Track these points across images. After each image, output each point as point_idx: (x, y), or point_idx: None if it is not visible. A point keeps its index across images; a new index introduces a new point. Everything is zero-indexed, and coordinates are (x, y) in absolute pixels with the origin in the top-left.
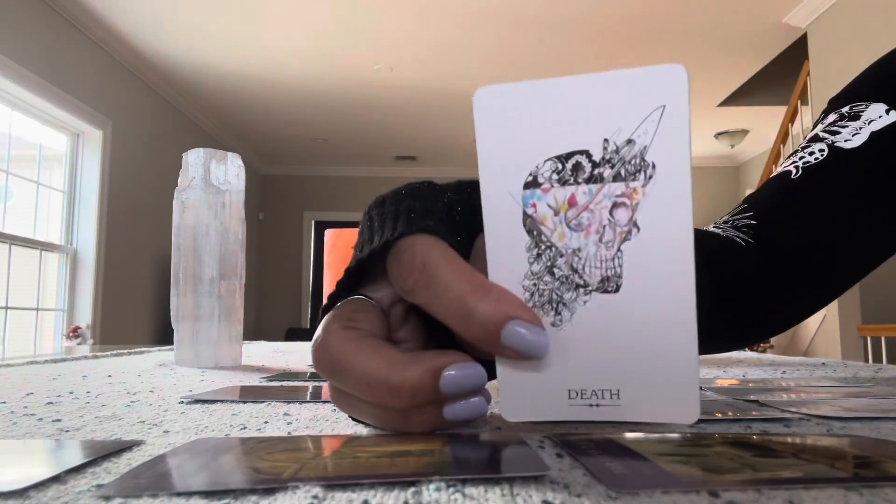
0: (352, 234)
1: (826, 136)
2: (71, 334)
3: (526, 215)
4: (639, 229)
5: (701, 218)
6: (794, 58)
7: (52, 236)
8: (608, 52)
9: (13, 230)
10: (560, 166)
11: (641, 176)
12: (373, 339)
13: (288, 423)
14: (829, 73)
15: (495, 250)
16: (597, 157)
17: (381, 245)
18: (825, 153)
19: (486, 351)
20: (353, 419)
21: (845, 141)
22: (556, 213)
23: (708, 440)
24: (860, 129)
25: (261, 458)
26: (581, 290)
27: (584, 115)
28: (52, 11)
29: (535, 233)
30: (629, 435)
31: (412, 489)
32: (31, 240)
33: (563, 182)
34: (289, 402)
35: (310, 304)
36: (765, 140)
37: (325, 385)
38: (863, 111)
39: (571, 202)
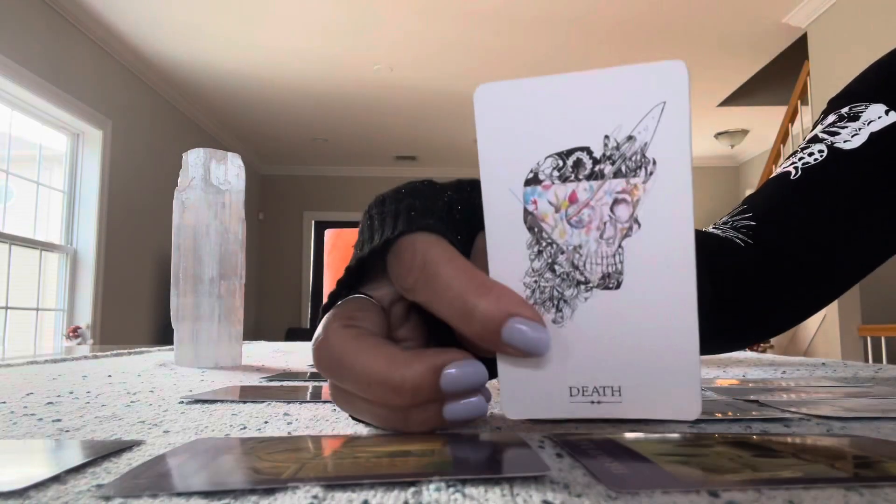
0: (352, 234)
1: (825, 136)
2: (71, 334)
3: (527, 212)
4: (640, 226)
5: (701, 218)
6: (794, 58)
7: (52, 236)
8: (608, 52)
9: (13, 230)
10: (561, 163)
11: (642, 172)
12: (373, 337)
13: (288, 424)
14: (829, 73)
15: (496, 247)
16: (597, 154)
17: (381, 243)
18: (824, 154)
19: (487, 349)
20: (354, 418)
21: (845, 142)
22: (557, 210)
23: (708, 440)
24: (859, 129)
25: (261, 459)
26: (582, 286)
27: (585, 112)
28: (52, 11)
29: (535, 230)
30: (629, 435)
31: (412, 489)
32: (31, 240)
33: (563, 179)
34: (289, 402)
35: (310, 304)
36: (765, 140)
37: (325, 385)
38: (862, 112)
39: (572, 199)
